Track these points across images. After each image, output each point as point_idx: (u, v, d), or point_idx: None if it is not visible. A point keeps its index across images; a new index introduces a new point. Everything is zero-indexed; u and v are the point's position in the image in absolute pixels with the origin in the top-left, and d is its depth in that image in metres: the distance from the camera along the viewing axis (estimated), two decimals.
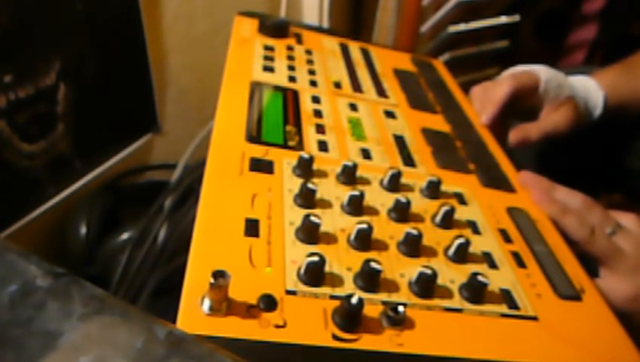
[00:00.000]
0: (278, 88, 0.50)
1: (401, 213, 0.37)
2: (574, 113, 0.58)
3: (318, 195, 0.36)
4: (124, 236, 0.59)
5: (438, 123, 0.54)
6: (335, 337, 0.27)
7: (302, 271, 0.29)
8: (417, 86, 0.61)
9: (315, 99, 0.50)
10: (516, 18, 1.09)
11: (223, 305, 0.26)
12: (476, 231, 0.39)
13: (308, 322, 0.27)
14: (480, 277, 0.32)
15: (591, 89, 0.61)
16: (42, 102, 0.60)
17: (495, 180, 0.46)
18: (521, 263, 0.37)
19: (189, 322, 0.25)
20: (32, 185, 0.62)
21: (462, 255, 0.35)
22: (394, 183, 0.40)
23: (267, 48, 0.58)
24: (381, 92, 0.57)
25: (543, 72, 0.59)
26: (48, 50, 0.59)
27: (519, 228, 0.41)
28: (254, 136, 0.41)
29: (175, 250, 0.50)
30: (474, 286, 0.32)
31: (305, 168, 0.38)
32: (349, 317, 0.27)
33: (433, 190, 0.41)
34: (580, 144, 0.63)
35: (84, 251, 0.63)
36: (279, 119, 0.45)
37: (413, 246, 0.34)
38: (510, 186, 0.47)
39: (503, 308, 0.33)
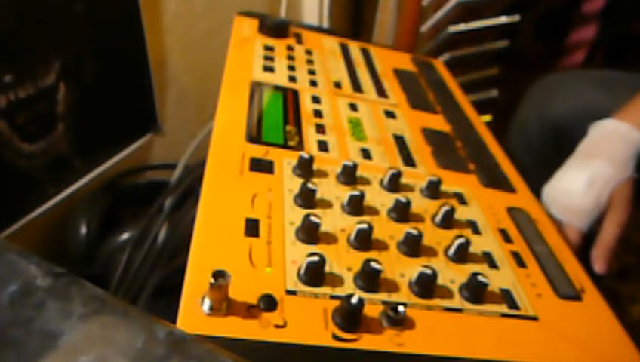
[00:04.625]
0: (278, 88, 0.50)
1: (401, 213, 0.37)
2: (628, 195, 0.52)
3: (318, 195, 0.36)
4: (124, 236, 0.59)
5: (438, 123, 0.54)
6: (335, 337, 0.27)
7: (302, 271, 0.29)
8: (417, 86, 0.61)
9: (315, 99, 0.50)
10: (516, 18, 1.09)
11: (223, 305, 0.26)
12: (476, 231, 0.39)
13: (308, 322, 0.27)
14: (480, 277, 0.32)
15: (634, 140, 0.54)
16: (42, 102, 0.60)
17: (495, 180, 0.46)
18: (521, 263, 0.37)
19: (189, 322, 0.25)
20: (32, 185, 0.62)
21: (462, 255, 0.35)
22: (394, 183, 0.40)
23: (267, 48, 0.58)
24: (381, 92, 0.57)
25: (584, 210, 0.52)
26: (48, 50, 0.59)
27: (519, 228, 0.41)
28: (254, 136, 0.41)
29: (175, 250, 0.50)
30: (474, 286, 0.32)
31: (305, 168, 0.38)
32: (349, 317, 0.27)
33: (433, 190, 0.41)
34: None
35: (84, 251, 0.62)
36: (279, 119, 0.45)
37: (413, 246, 0.34)
38: (510, 186, 0.47)
39: (503, 308, 0.33)
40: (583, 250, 0.50)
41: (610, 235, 0.50)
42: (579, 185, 0.52)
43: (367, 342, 0.27)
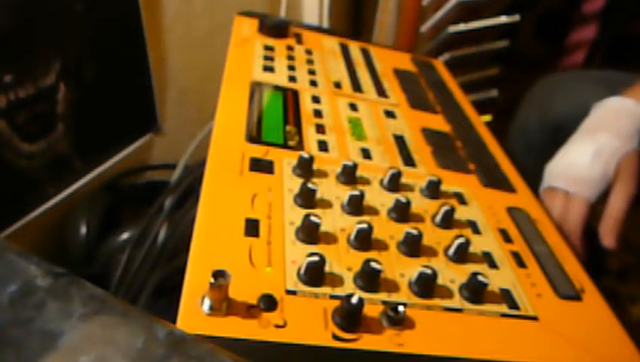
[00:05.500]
0: (278, 88, 0.50)
1: (401, 212, 0.37)
2: (635, 167, 0.51)
3: (318, 195, 0.36)
4: (124, 236, 0.59)
5: (438, 123, 0.54)
6: (335, 337, 0.27)
7: (302, 271, 0.29)
8: (417, 86, 0.61)
9: (315, 99, 0.50)
10: (516, 18, 1.09)
11: (223, 304, 0.26)
12: (476, 231, 0.39)
13: (308, 322, 0.27)
14: (480, 277, 0.32)
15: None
16: (42, 102, 0.60)
17: (495, 180, 0.46)
18: (521, 263, 0.37)
19: (189, 322, 0.25)
20: (32, 185, 0.62)
21: (462, 255, 0.35)
22: (394, 183, 0.40)
23: (267, 48, 0.58)
24: (381, 92, 0.57)
25: (590, 182, 0.51)
26: (48, 50, 0.59)
27: (519, 228, 0.41)
28: (254, 136, 0.41)
29: (175, 250, 0.50)
30: (474, 286, 0.32)
31: (305, 168, 0.38)
32: (349, 317, 0.27)
33: (433, 190, 0.41)
34: None
35: (84, 251, 0.62)
36: (279, 119, 0.45)
37: (413, 246, 0.34)
38: (510, 186, 0.47)
39: (503, 308, 0.33)
40: (586, 244, 0.50)
41: (618, 208, 0.49)
42: (585, 158, 0.51)
43: (367, 342, 0.27)
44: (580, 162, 0.52)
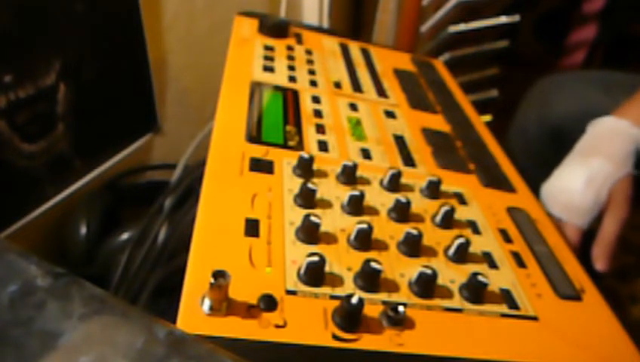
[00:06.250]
0: (278, 88, 0.50)
1: (401, 213, 0.37)
2: (627, 192, 0.52)
3: (318, 195, 0.36)
4: (124, 236, 0.59)
5: (438, 123, 0.54)
6: (335, 337, 0.27)
7: (302, 271, 0.29)
8: (417, 86, 0.61)
9: (315, 99, 0.50)
10: (516, 18, 1.09)
11: (223, 305, 0.26)
12: (476, 231, 0.39)
13: (308, 322, 0.27)
14: (480, 277, 0.32)
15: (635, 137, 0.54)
16: (42, 102, 0.60)
17: (495, 180, 0.46)
18: (521, 263, 0.37)
19: (189, 322, 0.25)
20: (32, 185, 0.62)
21: (462, 255, 0.35)
22: (394, 183, 0.40)
23: (267, 48, 0.58)
24: (381, 92, 0.57)
25: (583, 210, 0.52)
26: (48, 50, 0.59)
27: (519, 228, 0.41)
28: (254, 136, 0.41)
29: (175, 250, 0.50)
30: (474, 286, 0.32)
31: (305, 168, 0.38)
32: (349, 317, 0.27)
33: (433, 190, 0.41)
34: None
35: (84, 251, 0.62)
36: (279, 119, 0.45)
37: (413, 246, 0.34)
38: (510, 186, 0.47)
39: (503, 308, 0.33)
40: (583, 248, 0.50)
41: (611, 232, 0.50)
42: (578, 184, 0.52)
43: (367, 342, 0.27)
44: (572, 189, 0.53)
